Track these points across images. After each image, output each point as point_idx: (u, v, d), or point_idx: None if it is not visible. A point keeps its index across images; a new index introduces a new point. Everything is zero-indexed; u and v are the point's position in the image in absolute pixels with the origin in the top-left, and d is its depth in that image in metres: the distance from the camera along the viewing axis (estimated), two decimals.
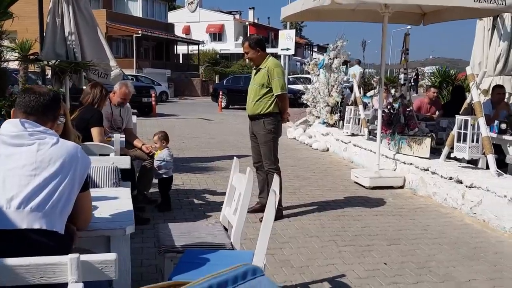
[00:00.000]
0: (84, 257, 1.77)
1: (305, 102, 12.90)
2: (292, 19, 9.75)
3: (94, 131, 4.82)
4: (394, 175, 7.43)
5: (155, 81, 29.11)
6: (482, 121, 6.13)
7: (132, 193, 5.10)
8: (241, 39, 46.32)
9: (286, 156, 9.90)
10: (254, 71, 5.51)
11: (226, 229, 3.33)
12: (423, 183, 6.86)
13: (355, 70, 15.69)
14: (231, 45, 53.97)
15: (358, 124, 9.93)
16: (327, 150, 10.79)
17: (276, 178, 2.82)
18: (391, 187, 7.23)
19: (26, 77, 10.66)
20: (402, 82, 8.77)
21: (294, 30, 17.03)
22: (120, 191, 3.12)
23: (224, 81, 25.71)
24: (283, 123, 5.65)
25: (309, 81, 15.24)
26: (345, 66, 13.07)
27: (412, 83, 28.71)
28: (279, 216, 5.40)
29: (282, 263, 4.23)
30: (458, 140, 6.34)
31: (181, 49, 45.49)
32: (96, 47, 7.67)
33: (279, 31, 18.66)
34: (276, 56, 20.30)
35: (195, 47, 44.80)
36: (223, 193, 6.42)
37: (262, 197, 5.53)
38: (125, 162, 3.86)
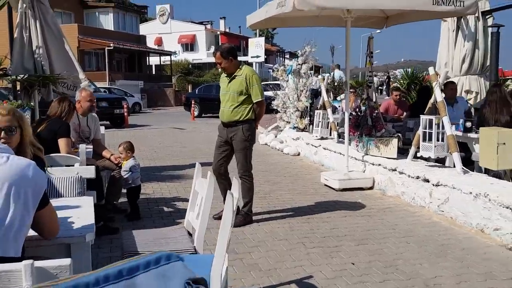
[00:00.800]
0: (39, 263, 1.76)
1: (275, 108, 12.97)
2: (258, 26, 9.81)
3: (62, 142, 4.79)
4: (363, 177, 7.52)
5: (128, 92, 28.96)
6: (446, 120, 6.26)
7: (99, 202, 5.11)
8: (213, 48, 46.36)
9: (258, 162, 9.91)
10: (226, 79, 5.45)
11: (190, 234, 3.33)
12: (391, 183, 6.96)
13: (338, 74, 15.94)
14: (203, 54, 54.04)
15: (328, 128, 10.04)
16: (298, 154, 10.86)
17: (235, 182, 2.83)
18: (361, 189, 7.31)
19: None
20: (369, 84, 8.88)
21: (263, 38, 17.26)
22: (82, 200, 3.10)
23: (196, 90, 25.68)
24: (257, 129, 5.69)
25: (278, 87, 15.37)
26: (317, 72, 13.16)
27: (384, 86, 29.23)
28: (248, 221, 5.45)
29: (251, 267, 4.24)
30: (424, 140, 6.46)
31: (154, 60, 45.36)
32: (64, 60, 7.62)
33: (249, 39, 18.77)
34: (248, 63, 20.32)
35: (168, 57, 44.71)
36: None
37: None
38: (89, 172, 3.82)
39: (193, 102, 22.44)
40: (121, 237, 3.30)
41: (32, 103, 7.70)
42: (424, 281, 3.94)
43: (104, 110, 17.71)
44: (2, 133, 2.91)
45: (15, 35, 7.33)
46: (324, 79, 10.97)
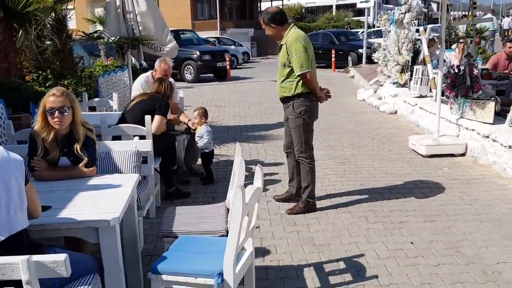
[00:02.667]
0: (36, 257, 1.93)
1: (376, 60, 12.41)
2: None
3: (158, 119, 4.98)
4: (455, 142, 7.05)
5: (237, 42, 29.27)
6: None
7: (172, 168, 5.38)
8: None
9: (349, 121, 9.73)
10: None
11: None
12: (484, 151, 6.46)
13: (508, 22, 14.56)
14: None
15: (427, 85, 9.44)
16: (395, 112, 10.41)
17: (258, 169, 2.84)
18: (452, 155, 6.89)
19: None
20: (471, 39, 8.10)
21: None
22: (126, 178, 3.28)
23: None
24: (321, 102, 4.96)
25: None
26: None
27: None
28: (309, 209, 4.93)
29: (305, 241, 4.26)
30: None
31: (265, 5, 45.10)
32: (153, 21, 7.89)
33: None
34: (355, 10, 19.31)
35: (280, 2, 44.19)
36: (270, 164, 6.58)
37: (292, 185, 5.22)
38: (147, 146, 4.03)
39: None
40: (164, 213, 3.48)
41: (125, 63, 8.21)
42: (482, 268, 3.71)
43: (207, 63, 18.24)
44: (56, 112, 3.17)
45: None
46: (425, 31, 10.19)
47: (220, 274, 2.46)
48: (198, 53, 18.21)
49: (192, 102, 12.33)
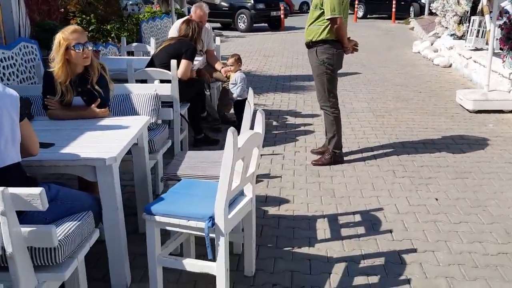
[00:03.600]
0: (13, 189, 1.97)
1: (434, 11, 11.75)
2: None
3: (184, 63, 4.93)
4: (504, 98, 6.63)
5: None
6: None
7: (202, 115, 5.40)
8: None
9: (399, 73, 9.36)
10: None
11: None
12: None
13: None
14: None
15: (484, 37, 8.86)
16: (450, 66, 9.88)
17: (258, 115, 2.76)
18: (501, 111, 6.50)
19: None
20: None
21: None
22: (136, 120, 3.29)
23: None
24: (347, 54, 4.73)
25: None
26: None
27: None
28: (335, 160, 4.79)
29: (325, 192, 4.19)
30: None
31: None
32: None
33: None
34: None
35: None
36: (306, 115, 6.47)
37: (327, 137, 4.91)
38: (166, 90, 4.03)
39: (357, 2, 21.33)
40: (174, 157, 3.49)
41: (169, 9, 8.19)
42: (507, 228, 3.53)
43: (261, 12, 17.93)
44: (84, 47, 3.17)
45: None
46: None
47: (212, 218, 2.45)
48: (252, 1, 17.91)
49: (241, 51, 12.20)
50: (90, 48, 3.25)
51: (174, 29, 6.05)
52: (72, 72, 3.24)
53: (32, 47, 5.17)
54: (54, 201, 2.38)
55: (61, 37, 3.19)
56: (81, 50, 3.17)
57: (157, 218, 2.53)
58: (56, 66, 3.23)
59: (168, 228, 2.58)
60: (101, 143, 2.84)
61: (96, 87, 3.31)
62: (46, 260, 2.18)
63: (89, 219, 2.47)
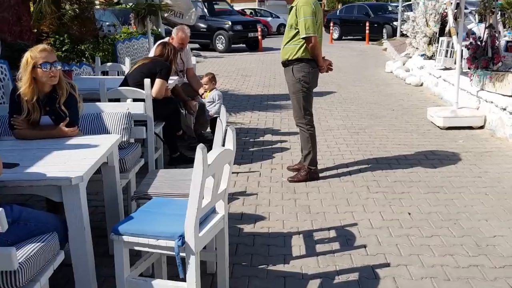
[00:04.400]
0: None
1: (404, 32, 12.02)
2: None
3: (159, 83, 4.92)
4: (473, 115, 6.78)
5: (274, 13, 29.07)
6: None
7: (177, 133, 5.38)
8: None
9: (373, 92, 9.50)
10: None
11: None
12: (501, 123, 6.19)
13: None
14: None
15: (452, 57, 9.08)
16: (421, 85, 10.09)
17: (229, 132, 2.77)
18: (470, 128, 6.63)
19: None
20: (493, 10, 7.68)
21: None
22: (106, 139, 3.25)
23: (337, 11, 24.73)
24: (322, 73, 4.78)
25: None
26: None
27: None
28: (311, 177, 4.81)
29: (300, 209, 4.20)
30: None
31: None
32: None
33: None
34: None
35: None
36: (283, 133, 6.51)
37: (303, 154, 4.92)
38: (139, 108, 4.01)
39: (332, 24, 21.70)
40: (146, 176, 3.46)
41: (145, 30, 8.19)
42: (477, 241, 3.56)
43: (238, 34, 18.11)
44: (52, 67, 3.14)
45: None
46: (450, 2, 9.74)
47: (182, 237, 2.41)
48: (230, 23, 18.09)
49: (220, 71, 12.29)
50: (59, 67, 3.22)
51: (152, 51, 6.07)
52: (39, 90, 3.20)
53: (1, 66, 5.12)
54: (17, 223, 2.32)
55: (29, 56, 3.16)
56: (49, 69, 3.13)
57: (125, 238, 2.49)
58: (23, 84, 3.19)
59: (137, 248, 2.54)
60: (68, 162, 2.78)
61: (63, 107, 3.27)
62: (6, 284, 2.11)
63: (54, 240, 2.41)
